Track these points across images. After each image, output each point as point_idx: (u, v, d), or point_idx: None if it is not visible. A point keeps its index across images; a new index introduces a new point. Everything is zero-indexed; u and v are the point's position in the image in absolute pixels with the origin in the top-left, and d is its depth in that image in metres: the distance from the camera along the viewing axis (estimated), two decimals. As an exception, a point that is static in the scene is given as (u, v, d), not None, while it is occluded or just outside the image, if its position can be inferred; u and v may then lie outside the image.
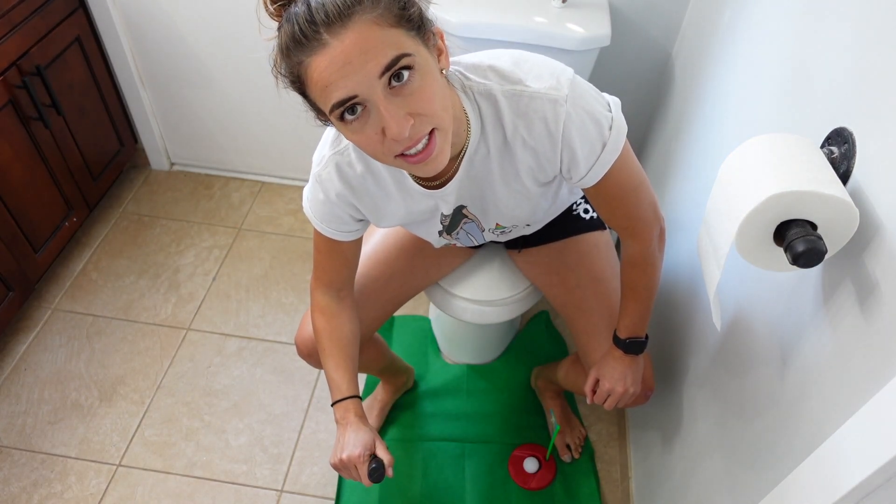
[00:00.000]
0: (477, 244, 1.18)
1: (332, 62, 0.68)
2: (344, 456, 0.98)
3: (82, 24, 1.80)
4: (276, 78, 0.75)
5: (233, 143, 2.16)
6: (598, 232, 1.28)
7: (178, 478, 1.52)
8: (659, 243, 1.05)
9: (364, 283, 1.21)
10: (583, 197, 1.26)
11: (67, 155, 1.80)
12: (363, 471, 0.99)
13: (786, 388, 0.83)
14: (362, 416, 1.03)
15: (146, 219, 2.10)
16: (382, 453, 1.00)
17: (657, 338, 1.43)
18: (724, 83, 1.22)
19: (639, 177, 0.96)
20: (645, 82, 1.76)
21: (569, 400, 1.69)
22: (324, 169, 0.93)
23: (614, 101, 0.91)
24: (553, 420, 1.58)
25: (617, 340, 1.11)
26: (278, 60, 0.74)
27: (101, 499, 1.48)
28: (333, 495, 1.50)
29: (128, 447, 1.57)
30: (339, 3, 0.67)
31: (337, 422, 1.03)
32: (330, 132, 0.94)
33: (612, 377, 1.11)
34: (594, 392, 1.15)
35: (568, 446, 1.58)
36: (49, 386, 1.67)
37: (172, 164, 2.28)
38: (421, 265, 1.28)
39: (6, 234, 1.61)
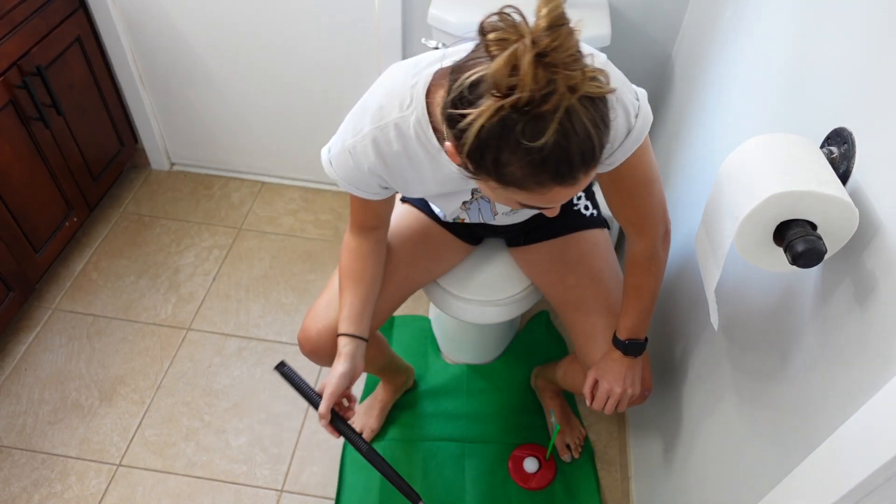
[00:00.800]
0: (484, 221, 1.19)
1: (567, 194, 0.72)
2: (318, 388, 1.07)
3: (82, 24, 1.80)
4: (466, 157, 0.71)
5: (233, 143, 2.16)
6: (597, 230, 1.28)
7: (178, 478, 1.52)
8: (663, 243, 1.06)
9: None
10: (584, 192, 1.26)
11: (67, 155, 1.80)
12: (324, 404, 1.05)
13: (785, 387, 0.83)
14: (351, 356, 1.07)
15: (146, 219, 2.10)
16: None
17: (656, 337, 1.43)
18: (724, 83, 1.22)
19: (654, 172, 0.97)
20: (645, 82, 1.76)
21: (569, 400, 1.69)
22: (360, 142, 0.92)
23: (642, 92, 0.92)
24: (553, 420, 1.58)
25: (616, 341, 1.12)
26: (497, 151, 0.68)
27: (102, 499, 1.48)
28: (333, 495, 1.50)
29: (128, 447, 1.57)
30: (594, 153, 0.68)
31: (337, 352, 1.09)
32: (366, 107, 0.91)
33: (611, 378, 1.12)
34: (593, 393, 1.15)
35: (568, 446, 1.58)
36: (49, 386, 1.67)
37: (172, 164, 2.28)
38: (423, 258, 1.28)
39: (6, 234, 1.61)
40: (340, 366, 1.07)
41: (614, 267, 1.26)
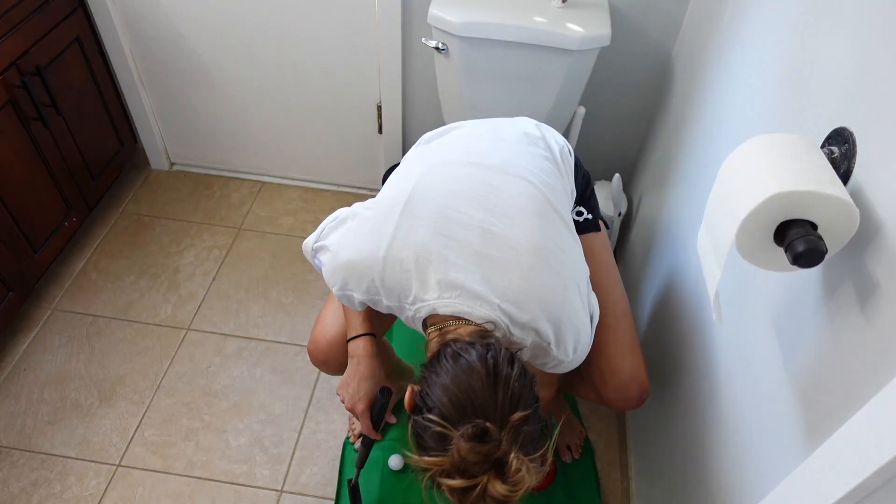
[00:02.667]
0: None
1: None
2: (347, 405, 1.13)
3: (82, 24, 1.80)
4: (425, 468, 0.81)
5: (233, 143, 2.16)
6: (593, 234, 1.27)
7: (178, 478, 1.52)
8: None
9: None
10: (576, 200, 1.26)
11: (67, 155, 1.80)
12: (365, 422, 1.14)
13: (786, 388, 0.83)
14: (371, 354, 1.12)
15: (146, 219, 2.10)
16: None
17: (656, 338, 1.43)
18: (724, 83, 1.22)
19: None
20: (645, 82, 1.76)
21: (569, 400, 1.69)
22: (349, 297, 1.01)
23: (595, 319, 1.07)
24: (552, 420, 1.57)
25: None
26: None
27: (101, 499, 1.48)
28: (333, 495, 1.50)
29: (127, 447, 1.57)
30: None
31: (349, 356, 1.14)
32: (365, 270, 0.97)
33: None
34: None
35: (568, 447, 1.58)
36: (49, 386, 1.67)
37: (172, 164, 2.28)
38: None
39: (6, 234, 1.61)
40: (366, 367, 1.12)
41: (611, 269, 1.26)
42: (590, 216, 1.28)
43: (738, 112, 1.12)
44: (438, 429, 0.78)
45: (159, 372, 1.71)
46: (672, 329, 1.34)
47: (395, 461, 1.53)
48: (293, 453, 1.58)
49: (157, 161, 2.24)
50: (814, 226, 0.67)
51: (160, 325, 1.81)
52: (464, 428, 0.76)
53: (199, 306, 1.86)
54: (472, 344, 0.84)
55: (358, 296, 0.99)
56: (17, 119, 1.60)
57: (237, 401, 1.67)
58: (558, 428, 1.51)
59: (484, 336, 0.88)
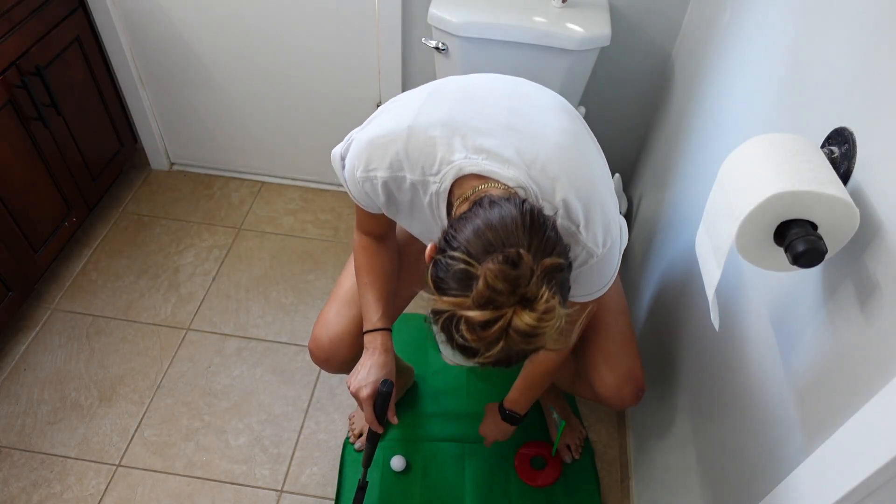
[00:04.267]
0: None
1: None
2: (353, 388, 1.10)
3: (82, 24, 1.80)
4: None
5: (233, 143, 2.16)
6: None
7: (177, 478, 1.52)
8: (560, 360, 1.20)
9: None
10: None
11: (67, 155, 1.80)
12: (368, 411, 1.11)
13: (786, 387, 0.83)
14: (387, 348, 1.11)
15: (146, 219, 2.10)
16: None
17: (656, 338, 1.43)
18: (724, 83, 1.22)
19: (594, 305, 1.04)
20: (645, 82, 1.76)
21: (569, 401, 1.69)
22: (372, 180, 0.93)
23: (625, 237, 1.02)
24: (556, 416, 1.57)
25: (501, 409, 1.31)
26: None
27: (101, 499, 1.48)
28: (333, 495, 1.50)
29: (127, 447, 1.57)
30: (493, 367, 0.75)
31: (364, 347, 1.13)
32: (389, 144, 0.91)
33: (489, 433, 1.40)
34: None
35: (568, 447, 1.58)
36: (49, 386, 1.67)
37: (172, 164, 2.28)
38: (414, 268, 1.28)
39: (6, 234, 1.61)
40: (379, 356, 1.11)
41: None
42: None
43: (738, 112, 1.12)
44: (462, 265, 0.71)
45: (159, 372, 1.71)
46: (671, 329, 1.34)
47: (396, 462, 1.53)
48: (293, 453, 1.58)
49: (157, 161, 2.24)
50: (814, 226, 0.67)
51: (160, 325, 1.81)
52: (492, 257, 0.69)
53: (199, 306, 1.86)
54: (506, 198, 0.77)
55: (381, 174, 0.91)
56: (17, 119, 1.60)
57: (237, 401, 1.67)
58: (563, 425, 1.51)
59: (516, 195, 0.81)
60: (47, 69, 1.68)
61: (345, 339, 1.19)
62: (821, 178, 0.67)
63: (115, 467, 1.53)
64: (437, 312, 0.73)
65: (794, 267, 0.68)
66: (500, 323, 0.68)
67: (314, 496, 1.51)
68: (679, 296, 1.32)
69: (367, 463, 1.26)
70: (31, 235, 1.71)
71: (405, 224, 1.02)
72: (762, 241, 0.71)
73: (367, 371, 1.10)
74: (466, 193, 0.85)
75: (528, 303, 0.68)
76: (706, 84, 1.33)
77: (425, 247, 1.31)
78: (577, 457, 1.57)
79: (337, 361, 1.21)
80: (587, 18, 1.49)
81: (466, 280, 0.70)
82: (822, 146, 0.78)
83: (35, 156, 1.68)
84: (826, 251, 0.65)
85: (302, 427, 1.62)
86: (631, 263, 1.79)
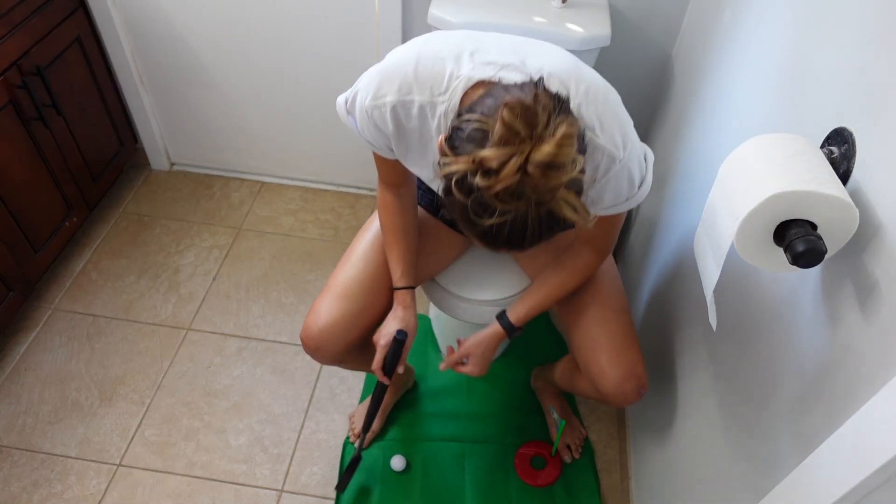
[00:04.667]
0: None
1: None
2: (374, 338, 1.19)
3: (82, 24, 1.80)
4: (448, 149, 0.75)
5: (233, 143, 2.16)
6: None
7: (178, 478, 1.52)
8: (597, 269, 1.18)
9: (367, 269, 1.23)
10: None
11: (67, 155, 1.80)
12: (378, 358, 1.18)
13: (785, 388, 0.83)
14: (406, 304, 1.19)
15: (146, 219, 2.10)
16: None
17: (655, 337, 1.43)
18: (724, 83, 1.22)
19: (626, 215, 1.05)
20: (645, 82, 1.76)
21: (569, 400, 1.69)
22: (380, 107, 0.93)
23: (650, 159, 0.99)
24: (556, 416, 1.58)
25: (506, 321, 1.19)
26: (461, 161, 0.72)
27: (101, 499, 1.48)
28: (333, 495, 1.50)
29: (128, 447, 1.57)
30: (521, 247, 0.75)
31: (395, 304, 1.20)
32: (395, 72, 0.92)
33: (473, 350, 1.22)
34: (456, 360, 1.24)
35: (568, 446, 1.58)
36: (49, 386, 1.67)
37: (172, 164, 2.28)
38: (421, 252, 1.29)
39: (6, 234, 1.61)
40: (400, 311, 1.18)
41: (610, 265, 1.27)
42: None
43: (737, 112, 1.12)
44: (477, 124, 0.71)
45: (159, 372, 1.71)
46: (670, 329, 1.34)
47: (396, 462, 1.53)
48: (293, 453, 1.58)
49: (157, 161, 2.25)
50: (813, 226, 0.67)
51: (160, 325, 1.81)
52: (508, 102, 0.68)
53: (200, 306, 1.86)
54: (519, 85, 0.78)
55: (390, 98, 0.91)
56: (17, 119, 1.60)
57: (237, 401, 1.67)
58: (563, 425, 1.52)
59: None
60: (48, 69, 1.68)
61: (333, 331, 1.19)
62: (820, 178, 0.67)
63: (115, 467, 1.53)
64: (450, 175, 0.72)
65: (794, 267, 0.68)
66: (517, 158, 0.68)
67: (314, 496, 1.51)
68: (678, 296, 1.32)
69: (367, 426, 1.28)
70: (32, 235, 1.71)
71: (415, 167, 1.02)
72: (762, 241, 0.71)
73: (387, 324, 1.19)
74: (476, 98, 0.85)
75: (544, 140, 0.68)
76: (706, 84, 1.33)
77: (440, 233, 1.33)
78: (577, 457, 1.58)
79: (326, 352, 1.21)
80: (587, 18, 1.49)
81: (482, 138, 0.71)
82: (822, 146, 0.78)
83: (35, 156, 1.68)
84: (826, 251, 0.65)
85: (302, 427, 1.62)
86: (630, 263, 1.79)
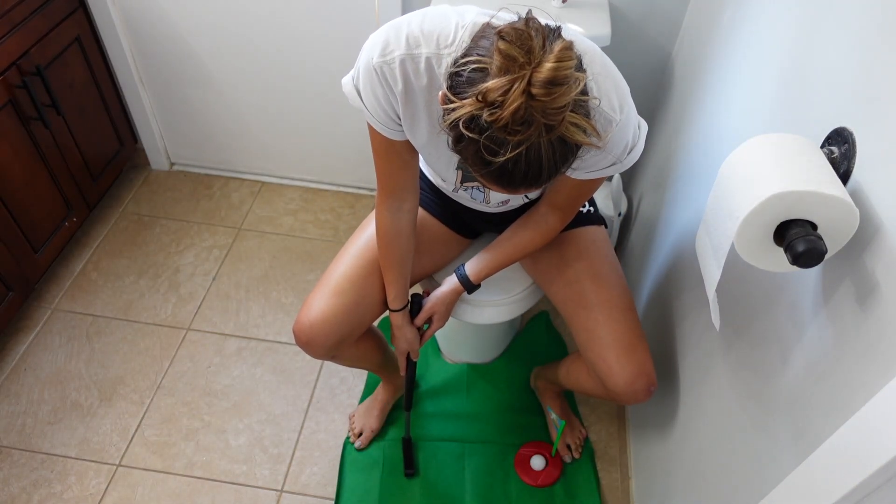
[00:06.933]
0: (479, 203, 1.26)
1: (508, 194, 0.77)
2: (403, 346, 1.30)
3: (82, 24, 1.80)
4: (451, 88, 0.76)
5: (233, 143, 2.16)
6: (595, 227, 1.29)
7: (178, 478, 1.52)
8: (557, 233, 1.21)
9: (359, 266, 1.23)
10: None
11: (67, 155, 1.80)
12: (402, 362, 1.34)
13: (785, 388, 0.83)
14: (397, 325, 1.28)
15: (146, 219, 2.10)
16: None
17: (657, 337, 1.43)
18: (724, 83, 1.22)
19: (602, 181, 1.07)
20: (645, 82, 1.76)
21: (569, 400, 1.69)
22: (389, 63, 0.92)
23: (644, 128, 0.99)
24: (554, 416, 1.58)
25: (464, 277, 1.25)
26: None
27: (101, 499, 1.48)
28: (333, 495, 1.50)
29: (128, 447, 1.57)
30: (539, 182, 0.75)
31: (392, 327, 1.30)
32: (401, 30, 0.92)
33: (443, 314, 1.30)
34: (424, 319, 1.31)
35: (568, 446, 1.58)
36: (49, 386, 1.67)
37: (172, 164, 2.28)
38: (418, 251, 1.29)
39: (6, 234, 1.61)
40: (395, 331, 1.29)
41: (614, 263, 1.26)
42: (591, 209, 1.31)
43: (737, 112, 1.12)
44: (475, 65, 0.72)
45: (159, 372, 1.71)
46: (672, 329, 1.34)
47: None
48: (293, 453, 1.58)
49: (157, 161, 2.24)
50: (814, 226, 0.67)
51: (160, 325, 1.81)
52: (503, 34, 0.69)
53: (199, 306, 1.86)
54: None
55: (398, 52, 0.90)
56: (17, 119, 1.60)
57: (237, 401, 1.67)
58: (563, 425, 1.51)
59: None
60: (47, 69, 1.68)
61: (324, 325, 1.19)
62: (821, 178, 0.67)
63: (115, 467, 1.53)
64: (457, 121, 0.72)
65: (794, 267, 0.68)
66: (519, 83, 0.68)
67: (314, 496, 1.51)
68: (679, 296, 1.32)
69: (408, 405, 1.49)
70: (32, 235, 1.71)
71: (421, 137, 1.00)
72: (762, 241, 0.71)
73: (399, 340, 1.31)
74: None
75: (542, 60, 0.69)
76: (706, 84, 1.33)
77: (438, 232, 1.33)
78: (577, 456, 1.58)
79: (318, 345, 1.21)
80: (587, 18, 1.49)
81: (482, 77, 0.72)
82: (822, 146, 0.78)
83: (35, 156, 1.68)
84: (826, 251, 0.65)
85: (302, 427, 1.62)
86: (631, 263, 1.79)
